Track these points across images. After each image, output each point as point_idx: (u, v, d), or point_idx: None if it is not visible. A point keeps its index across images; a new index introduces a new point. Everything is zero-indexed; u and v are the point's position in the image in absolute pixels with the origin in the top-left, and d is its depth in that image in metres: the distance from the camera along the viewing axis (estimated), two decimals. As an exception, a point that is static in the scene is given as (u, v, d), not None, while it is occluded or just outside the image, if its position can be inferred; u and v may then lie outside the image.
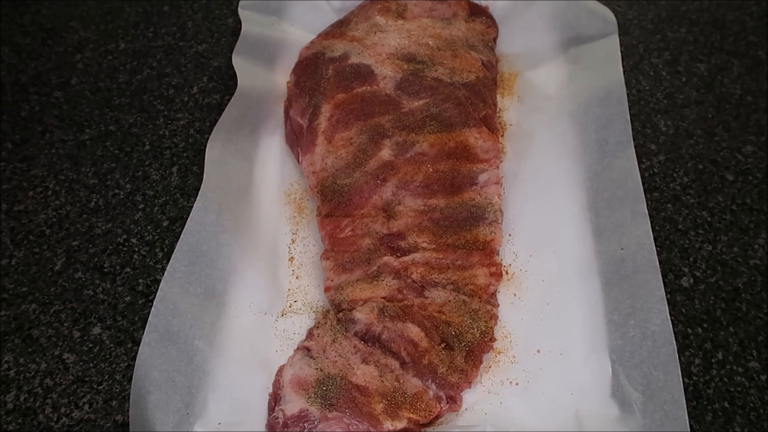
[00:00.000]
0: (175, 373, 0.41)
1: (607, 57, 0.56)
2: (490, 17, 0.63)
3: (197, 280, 0.45)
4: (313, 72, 0.56)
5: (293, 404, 0.40)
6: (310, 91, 0.55)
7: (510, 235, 0.50)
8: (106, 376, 0.44)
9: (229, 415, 0.41)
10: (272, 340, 0.45)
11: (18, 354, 0.45)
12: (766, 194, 0.54)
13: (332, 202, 0.49)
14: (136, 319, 0.47)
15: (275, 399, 0.42)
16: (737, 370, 0.45)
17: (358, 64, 0.55)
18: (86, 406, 0.43)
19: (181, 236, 0.45)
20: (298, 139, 0.54)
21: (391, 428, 0.40)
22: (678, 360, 0.40)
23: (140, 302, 0.48)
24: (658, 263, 0.44)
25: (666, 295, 0.43)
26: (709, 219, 0.52)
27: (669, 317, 0.42)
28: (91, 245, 0.51)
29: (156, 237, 0.51)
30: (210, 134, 0.50)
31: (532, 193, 0.52)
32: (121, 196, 0.54)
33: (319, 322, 0.45)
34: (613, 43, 0.57)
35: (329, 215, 0.49)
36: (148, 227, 0.52)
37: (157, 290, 0.43)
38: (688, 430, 0.38)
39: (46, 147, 0.57)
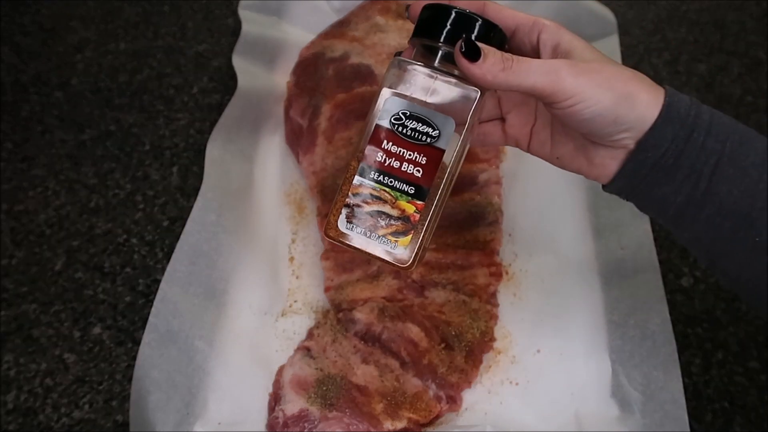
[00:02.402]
0: (175, 373, 0.41)
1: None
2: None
3: (197, 280, 0.45)
4: (313, 72, 0.56)
5: (293, 404, 0.40)
6: (310, 91, 0.55)
7: (510, 235, 0.50)
8: (106, 376, 0.44)
9: (229, 415, 0.41)
10: (272, 340, 0.45)
11: (18, 354, 0.45)
12: (766, 194, 0.54)
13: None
14: (136, 319, 0.47)
15: (275, 399, 0.42)
16: (737, 370, 0.45)
17: (358, 64, 0.55)
18: (86, 406, 0.43)
19: (181, 236, 0.45)
20: (298, 139, 0.54)
21: (391, 428, 0.40)
22: (678, 360, 0.40)
23: (140, 302, 0.48)
24: (658, 263, 0.44)
25: (666, 295, 0.43)
26: (709, 219, 0.52)
27: (669, 317, 0.42)
28: (91, 245, 0.51)
29: (156, 237, 0.51)
30: (210, 134, 0.50)
31: (532, 193, 0.52)
32: (121, 196, 0.54)
33: (319, 322, 0.45)
34: (613, 43, 0.57)
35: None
36: (148, 227, 0.52)
37: (157, 290, 0.43)
38: (688, 430, 0.38)
39: (46, 147, 0.57)
